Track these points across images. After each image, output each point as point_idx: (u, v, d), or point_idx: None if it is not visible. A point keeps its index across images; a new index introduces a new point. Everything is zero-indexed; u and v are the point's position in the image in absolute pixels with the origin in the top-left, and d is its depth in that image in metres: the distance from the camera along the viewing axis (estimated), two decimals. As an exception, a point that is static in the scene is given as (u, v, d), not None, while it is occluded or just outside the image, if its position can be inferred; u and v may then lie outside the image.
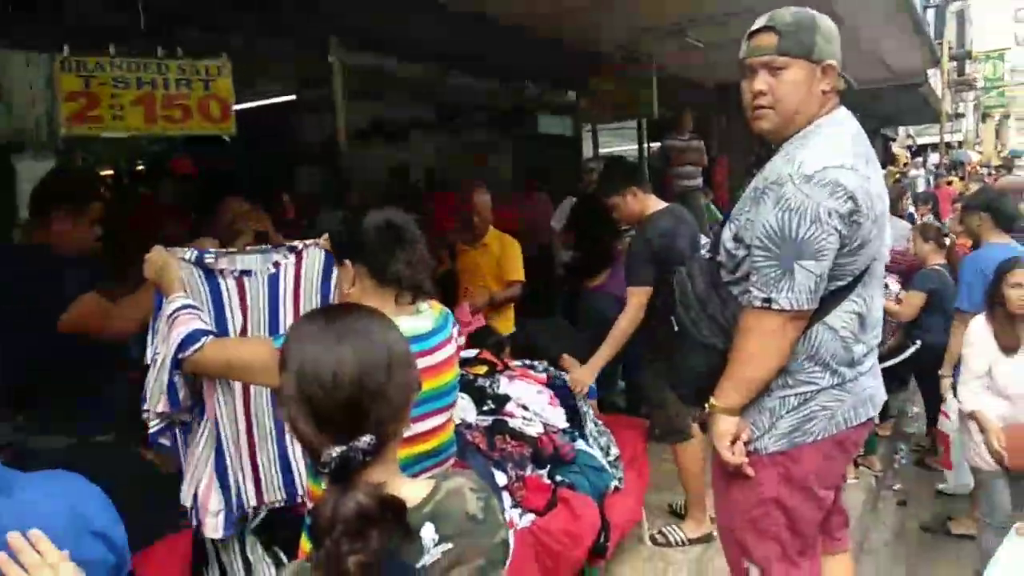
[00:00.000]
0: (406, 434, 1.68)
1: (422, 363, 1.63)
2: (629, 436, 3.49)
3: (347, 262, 1.72)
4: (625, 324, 3.23)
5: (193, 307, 1.86)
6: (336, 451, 1.02)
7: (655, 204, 3.40)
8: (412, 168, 7.48)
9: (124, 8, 3.20)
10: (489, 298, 4.18)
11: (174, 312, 1.83)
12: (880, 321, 2.00)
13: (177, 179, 6.03)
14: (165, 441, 1.97)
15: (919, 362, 4.57)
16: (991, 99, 28.20)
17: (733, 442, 1.93)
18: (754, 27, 1.92)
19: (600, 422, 3.37)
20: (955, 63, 18.75)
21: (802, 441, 1.90)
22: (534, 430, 3.02)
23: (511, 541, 1.15)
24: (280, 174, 7.33)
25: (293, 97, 7.14)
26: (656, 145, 8.57)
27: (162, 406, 1.85)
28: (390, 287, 1.68)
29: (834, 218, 1.76)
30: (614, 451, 3.25)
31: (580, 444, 3.16)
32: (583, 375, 3.32)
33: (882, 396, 2.03)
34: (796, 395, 1.90)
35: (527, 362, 3.42)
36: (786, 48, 1.85)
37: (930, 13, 13.40)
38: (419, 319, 1.71)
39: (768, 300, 1.80)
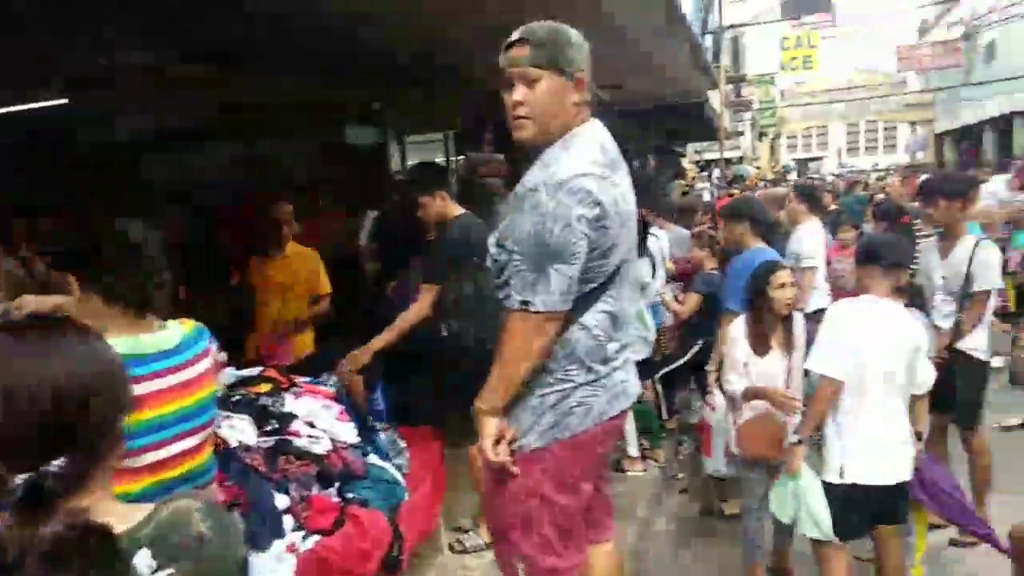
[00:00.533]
0: (151, 459, 1.57)
1: (167, 380, 1.60)
2: (424, 446, 3.49)
3: (74, 275, 1.69)
4: (411, 316, 3.24)
5: None
6: (23, 477, 0.93)
7: (457, 209, 3.48)
8: (204, 177, 7.07)
9: None
10: (295, 322, 4.13)
11: None
12: (632, 319, 2.14)
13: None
14: None
15: (702, 360, 4.95)
16: (765, 119, 31.46)
17: (498, 442, 1.98)
18: (509, 39, 1.99)
19: (393, 434, 3.34)
20: (732, 85, 20.71)
21: (563, 436, 2.00)
22: (322, 448, 2.93)
23: (253, 560, 1.15)
24: (53, 185, 6.67)
25: (64, 101, 6.52)
26: (462, 157, 8.72)
27: None
28: (116, 303, 1.62)
29: (583, 223, 1.86)
30: (405, 462, 3.23)
31: (372, 458, 3.12)
32: (358, 355, 3.32)
33: (636, 388, 2.18)
34: (556, 392, 1.99)
35: (314, 378, 3.32)
36: (539, 60, 1.94)
37: (708, 39, 14.71)
38: (161, 335, 1.66)
39: (525, 302, 1.89)
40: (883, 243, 3.23)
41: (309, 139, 8.60)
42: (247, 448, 2.63)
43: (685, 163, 22.92)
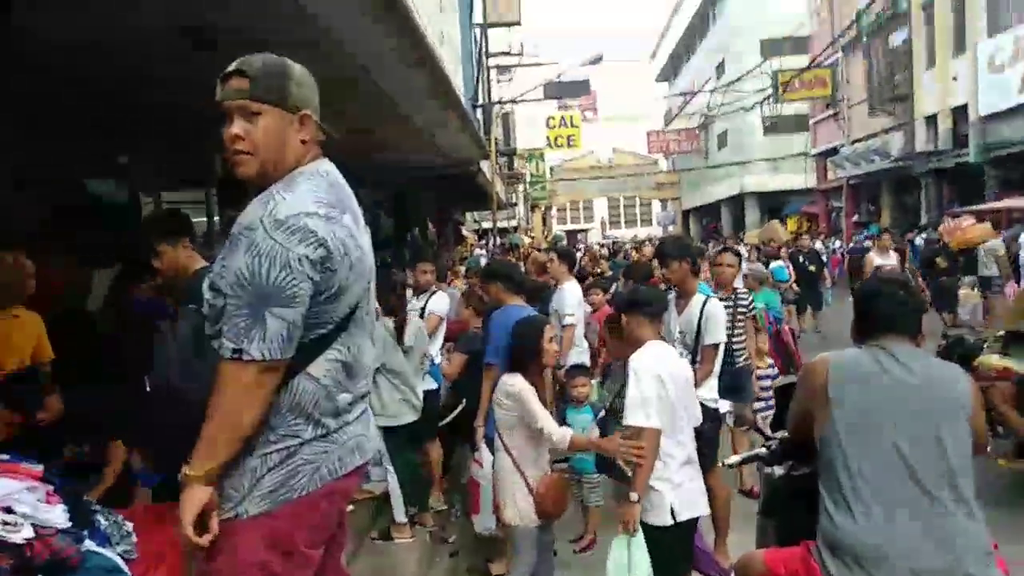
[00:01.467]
0: None
1: None
2: (156, 525, 3.10)
3: None
4: None
5: None
6: None
7: (201, 262, 3.18)
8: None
9: None
10: None
11: None
12: (370, 370, 2.04)
13: None
14: None
15: (468, 417, 4.95)
16: (536, 192, 33.48)
17: (208, 514, 1.76)
18: (226, 70, 1.87)
19: (116, 515, 2.94)
20: (504, 158, 21.81)
21: (287, 498, 1.82)
22: (20, 536, 2.50)
23: None
24: None
25: None
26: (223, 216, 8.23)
27: None
28: None
29: (305, 264, 1.75)
30: (132, 547, 2.85)
31: (88, 544, 2.70)
32: None
33: (373, 444, 2.06)
34: (278, 451, 1.82)
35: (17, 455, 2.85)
36: (258, 94, 1.84)
37: (479, 111, 15.42)
38: None
39: (239, 350, 1.72)
40: (646, 293, 3.51)
41: (46, 190, 7.71)
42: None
43: (464, 231, 23.59)
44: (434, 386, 4.96)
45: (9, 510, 2.53)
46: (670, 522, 3.03)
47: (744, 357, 5.18)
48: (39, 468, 2.78)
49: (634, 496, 2.99)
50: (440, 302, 5.31)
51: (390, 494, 4.55)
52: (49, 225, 7.27)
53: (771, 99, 25.29)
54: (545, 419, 3.31)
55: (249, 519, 1.79)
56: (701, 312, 4.19)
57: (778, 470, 2.81)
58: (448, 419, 5.12)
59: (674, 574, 3.12)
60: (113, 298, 5.09)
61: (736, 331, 5.00)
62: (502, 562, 4.13)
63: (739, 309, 5.12)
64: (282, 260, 1.72)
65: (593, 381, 5.05)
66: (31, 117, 5.78)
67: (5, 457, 2.79)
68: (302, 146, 1.91)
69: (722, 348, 4.30)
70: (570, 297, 5.84)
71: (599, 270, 11.75)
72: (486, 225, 29.16)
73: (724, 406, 4.33)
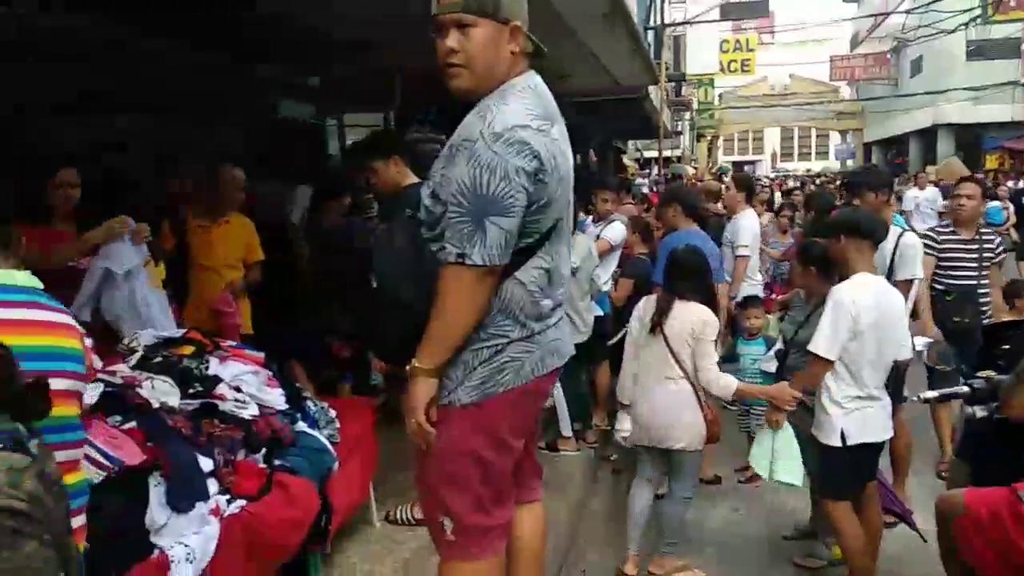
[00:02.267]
0: None
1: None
2: (355, 415, 3.41)
3: None
4: None
5: None
6: None
7: (412, 177, 3.43)
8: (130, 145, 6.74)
9: None
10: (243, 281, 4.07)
11: None
12: (567, 278, 2.11)
13: None
14: None
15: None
16: (704, 120, 32.09)
17: (429, 404, 1.93)
18: None
19: (323, 403, 3.26)
20: (672, 84, 21.02)
21: (494, 392, 1.94)
22: (248, 413, 2.83)
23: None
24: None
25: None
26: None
27: None
28: None
29: (522, 176, 1.81)
30: (335, 431, 3.15)
31: (301, 426, 3.03)
32: None
33: (569, 348, 2.14)
34: (488, 347, 1.94)
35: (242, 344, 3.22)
36: (472, 6, 1.88)
37: (650, 34, 14.88)
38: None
39: (462, 255, 1.82)
40: (868, 217, 3.30)
41: (245, 114, 8.35)
42: (170, 410, 2.51)
43: (626, 160, 23.18)
44: (602, 312, 5.01)
45: (238, 389, 2.87)
46: (838, 443, 3.02)
47: (989, 313, 4.49)
48: (261, 355, 3.12)
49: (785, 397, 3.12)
50: (615, 230, 5.28)
51: (557, 408, 4.71)
52: (249, 145, 7.92)
53: (978, 20, 22.55)
54: (712, 365, 3.30)
55: (460, 408, 1.94)
56: (896, 246, 3.93)
57: (979, 411, 2.66)
58: (614, 341, 5.17)
59: (841, 492, 3.09)
60: (310, 215, 5.47)
61: (982, 280, 4.50)
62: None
63: (985, 254, 4.53)
64: (501, 171, 1.79)
65: (770, 316, 4.92)
66: (236, 48, 6.25)
67: (232, 344, 3.16)
68: (512, 58, 1.94)
69: (916, 285, 4.03)
70: (745, 228, 5.66)
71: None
72: (648, 154, 28.48)
73: (919, 343, 4.06)
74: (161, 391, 2.63)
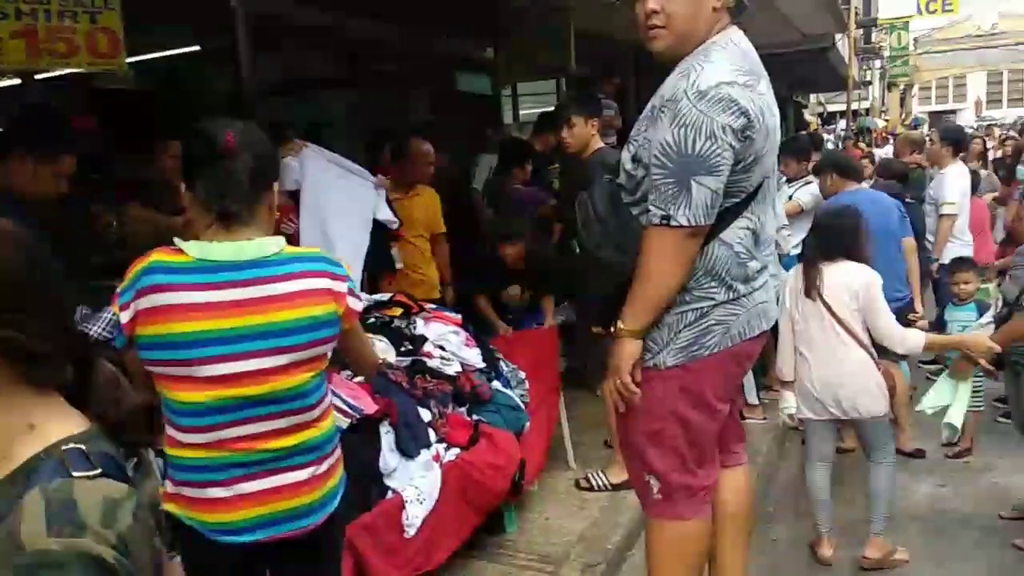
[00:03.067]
0: (210, 372, 1.45)
1: (232, 293, 1.47)
2: (540, 376, 3.54)
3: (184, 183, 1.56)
4: None
5: None
6: None
7: (601, 142, 3.66)
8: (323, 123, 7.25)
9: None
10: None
11: None
12: (773, 239, 2.06)
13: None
14: None
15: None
16: (896, 68, 29.31)
17: (633, 365, 1.96)
18: None
19: (513, 365, 3.40)
20: (862, 30, 19.44)
21: (699, 355, 1.94)
22: (452, 369, 3.03)
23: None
24: (182, 131, 7.02)
25: (196, 48, 6.82)
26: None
27: None
28: (201, 207, 1.51)
29: (728, 134, 1.78)
30: (525, 392, 3.29)
31: (496, 384, 3.19)
32: None
33: (775, 311, 2.09)
34: (693, 310, 1.93)
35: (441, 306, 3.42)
36: None
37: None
38: (240, 246, 1.50)
39: (667, 217, 1.82)
40: None
41: (421, 88, 8.70)
42: (389, 366, 2.74)
43: (807, 115, 21.82)
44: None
45: (442, 348, 3.06)
46: None
47: None
48: (459, 316, 3.30)
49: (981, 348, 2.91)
50: (807, 192, 5.00)
51: (743, 375, 4.60)
52: (428, 115, 8.26)
53: None
54: (892, 321, 3.07)
55: (665, 369, 1.97)
56: None
57: None
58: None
59: None
60: (495, 183, 5.61)
61: None
62: (851, 436, 4.00)
63: None
64: (707, 130, 1.76)
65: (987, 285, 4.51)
66: (415, 21, 6.51)
67: (433, 307, 3.36)
68: (713, 14, 1.90)
69: None
70: (952, 184, 5.19)
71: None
72: (832, 108, 26.60)
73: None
74: (381, 349, 2.86)
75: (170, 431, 1.52)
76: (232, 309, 1.46)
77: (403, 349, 2.90)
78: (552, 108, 6.91)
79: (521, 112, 9.97)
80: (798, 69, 13.21)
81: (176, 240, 1.50)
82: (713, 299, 1.93)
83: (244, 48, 4.69)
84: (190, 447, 1.51)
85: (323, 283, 1.56)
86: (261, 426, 1.51)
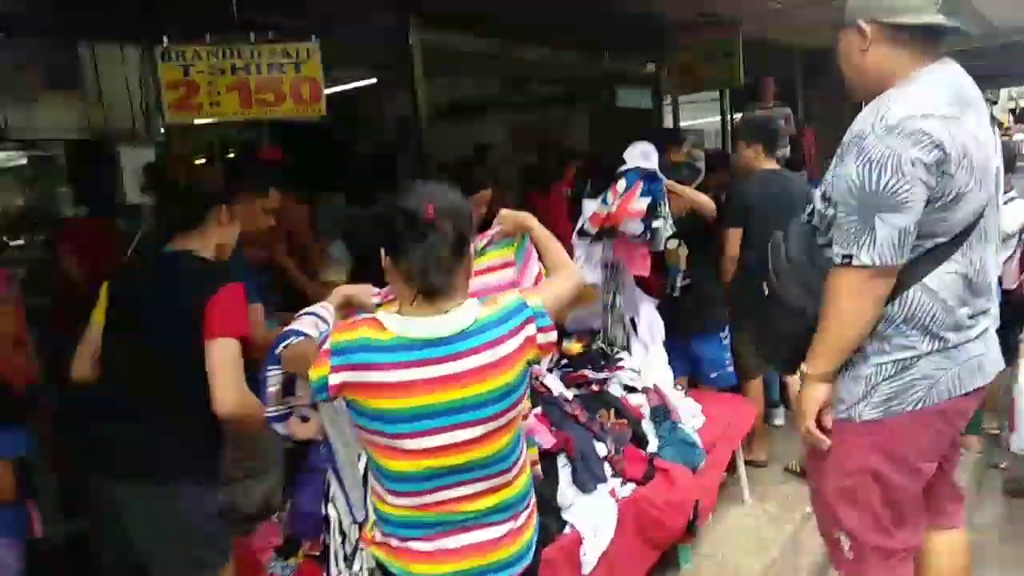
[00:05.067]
0: (413, 446, 1.49)
1: (431, 371, 1.48)
2: (721, 407, 3.46)
3: (382, 249, 1.57)
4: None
5: (316, 315, 1.85)
6: None
7: (767, 164, 3.92)
8: (490, 147, 7.48)
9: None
10: None
11: (299, 314, 1.87)
12: (992, 285, 1.90)
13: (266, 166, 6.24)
14: (281, 428, 1.93)
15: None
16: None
17: (822, 410, 1.88)
18: None
19: (690, 398, 3.35)
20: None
21: (900, 410, 1.83)
22: (632, 402, 3.05)
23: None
24: (360, 159, 7.49)
25: (373, 81, 7.25)
26: (739, 116, 8.33)
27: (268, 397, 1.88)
28: (404, 280, 1.53)
29: (919, 168, 1.68)
30: (701, 423, 3.23)
31: (671, 419, 3.15)
32: None
33: (995, 364, 1.93)
34: (893, 362, 1.83)
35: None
36: (852, 15, 1.89)
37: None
38: (440, 320, 1.51)
39: (849, 256, 1.75)
40: None
41: (582, 104, 8.76)
42: (567, 399, 2.79)
43: (996, 111, 19.91)
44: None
45: (622, 383, 3.09)
46: None
47: None
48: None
49: None
50: (1012, 214, 4.59)
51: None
52: (590, 136, 8.31)
53: None
54: None
55: (861, 423, 1.87)
56: None
57: None
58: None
59: None
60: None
61: None
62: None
63: None
64: (893, 164, 1.69)
65: None
66: (579, 44, 6.57)
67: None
68: (883, 55, 1.84)
69: None
70: None
71: None
72: (1026, 102, 24.05)
73: None
74: (550, 384, 2.92)
75: (377, 487, 1.61)
76: (432, 386, 1.48)
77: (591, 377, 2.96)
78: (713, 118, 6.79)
79: (682, 123, 9.79)
80: (987, 63, 12.08)
81: (380, 315, 1.54)
82: (915, 350, 1.81)
83: (418, 77, 4.98)
84: (394, 506, 1.58)
85: (516, 342, 1.56)
86: (462, 490, 1.56)
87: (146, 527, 2.05)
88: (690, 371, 3.88)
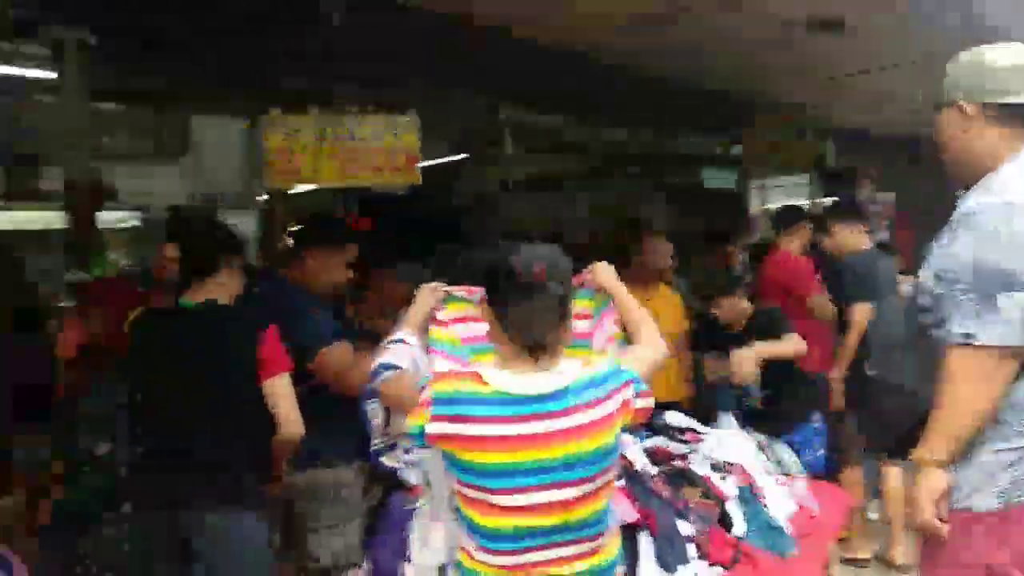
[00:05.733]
0: (506, 502, 1.49)
1: (524, 428, 1.49)
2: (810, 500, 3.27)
3: (485, 303, 1.63)
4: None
5: (404, 342, 1.89)
6: None
7: (864, 243, 3.93)
8: (568, 221, 7.57)
9: (319, 73, 3.52)
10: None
11: (387, 343, 1.89)
12: None
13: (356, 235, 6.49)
14: (387, 461, 1.97)
15: None
16: None
17: (938, 500, 1.76)
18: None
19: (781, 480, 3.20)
20: None
21: (1020, 501, 1.70)
22: (720, 486, 2.93)
23: None
24: (446, 229, 7.69)
25: (463, 156, 7.51)
26: (832, 199, 8.22)
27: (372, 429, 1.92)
28: (513, 338, 1.55)
29: None
30: (792, 512, 3.06)
31: (759, 501, 3.01)
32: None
33: None
34: (1014, 450, 1.71)
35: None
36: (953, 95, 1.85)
37: None
38: (538, 379, 1.52)
39: (968, 335, 1.67)
40: None
41: (664, 183, 8.80)
42: (651, 474, 2.71)
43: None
44: None
45: (710, 462, 2.98)
46: None
47: None
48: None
49: None
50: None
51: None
52: (672, 215, 8.31)
53: None
54: None
55: (979, 514, 1.74)
56: None
57: None
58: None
59: None
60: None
61: None
62: None
63: None
64: (1007, 238, 1.64)
65: None
66: (663, 124, 6.67)
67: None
68: (995, 134, 1.79)
69: None
70: None
71: None
72: None
73: None
74: (633, 456, 2.84)
75: (466, 542, 1.59)
76: (531, 442, 1.48)
77: (675, 454, 2.87)
78: (800, 202, 6.70)
79: (769, 205, 9.70)
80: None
81: (481, 368, 1.56)
82: None
83: (508, 153, 5.15)
84: (483, 563, 1.55)
85: (614, 404, 1.55)
86: (554, 552, 1.53)
87: (219, 549, 2.26)
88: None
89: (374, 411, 1.92)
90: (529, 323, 1.51)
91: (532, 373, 1.53)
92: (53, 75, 3.01)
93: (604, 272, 2.04)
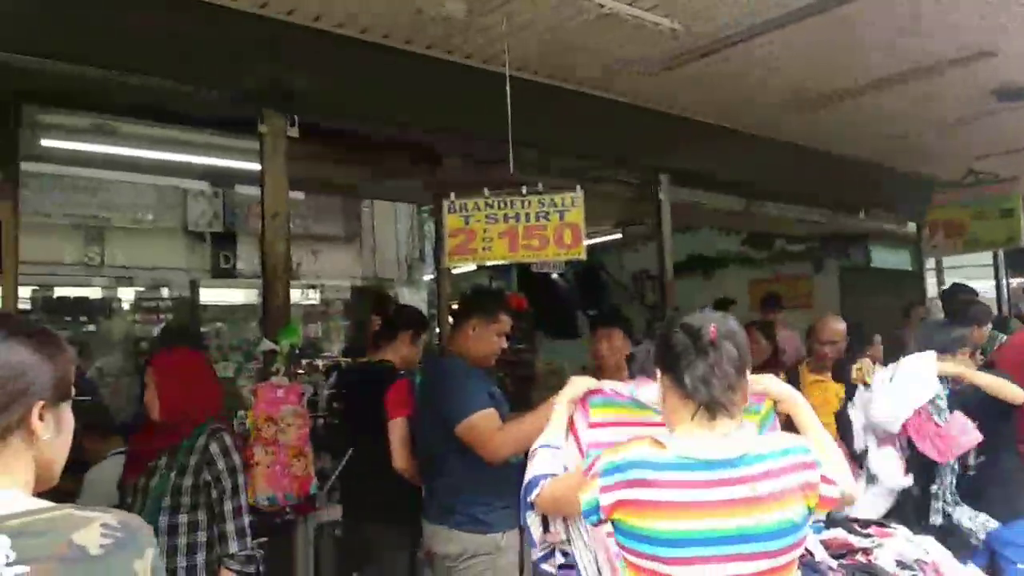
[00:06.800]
0: (681, 574, 1.42)
1: (704, 494, 1.43)
2: None
3: (658, 370, 1.60)
4: None
5: (551, 447, 1.85)
6: None
7: None
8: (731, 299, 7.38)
9: (491, 160, 3.70)
10: None
11: (534, 449, 1.86)
12: None
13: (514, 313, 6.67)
14: (548, 568, 1.91)
15: None
16: None
17: None
18: None
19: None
20: None
21: None
22: (917, 556, 2.68)
23: None
24: (606, 309, 7.74)
25: (619, 235, 7.57)
26: (1017, 281, 7.53)
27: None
28: (689, 400, 1.51)
29: None
30: None
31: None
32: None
33: None
34: None
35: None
36: None
37: None
38: (719, 442, 1.48)
39: None
40: None
41: (830, 262, 8.39)
42: (831, 567, 2.52)
43: None
44: None
45: (901, 564, 2.74)
46: None
47: None
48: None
49: None
50: None
51: None
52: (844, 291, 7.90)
53: None
54: None
55: None
56: None
57: None
58: None
59: None
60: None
61: None
62: None
63: None
64: None
65: None
66: (828, 202, 6.43)
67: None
68: None
69: None
70: None
71: None
72: None
73: None
74: (817, 550, 2.66)
75: None
76: (714, 508, 1.42)
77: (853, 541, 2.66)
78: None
79: (946, 287, 8.96)
80: None
81: (657, 433, 1.54)
82: None
83: (666, 232, 5.15)
84: None
85: (797, 478, 1.47)
86: None
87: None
88: (987, 560, 3.29)
89: (533, 522, 1.88)
90: (707, 379, 1.48)
91: (712, 438, 1.48)
92: (257, 166, 3.35)
93: (774, 386, 1.86)
